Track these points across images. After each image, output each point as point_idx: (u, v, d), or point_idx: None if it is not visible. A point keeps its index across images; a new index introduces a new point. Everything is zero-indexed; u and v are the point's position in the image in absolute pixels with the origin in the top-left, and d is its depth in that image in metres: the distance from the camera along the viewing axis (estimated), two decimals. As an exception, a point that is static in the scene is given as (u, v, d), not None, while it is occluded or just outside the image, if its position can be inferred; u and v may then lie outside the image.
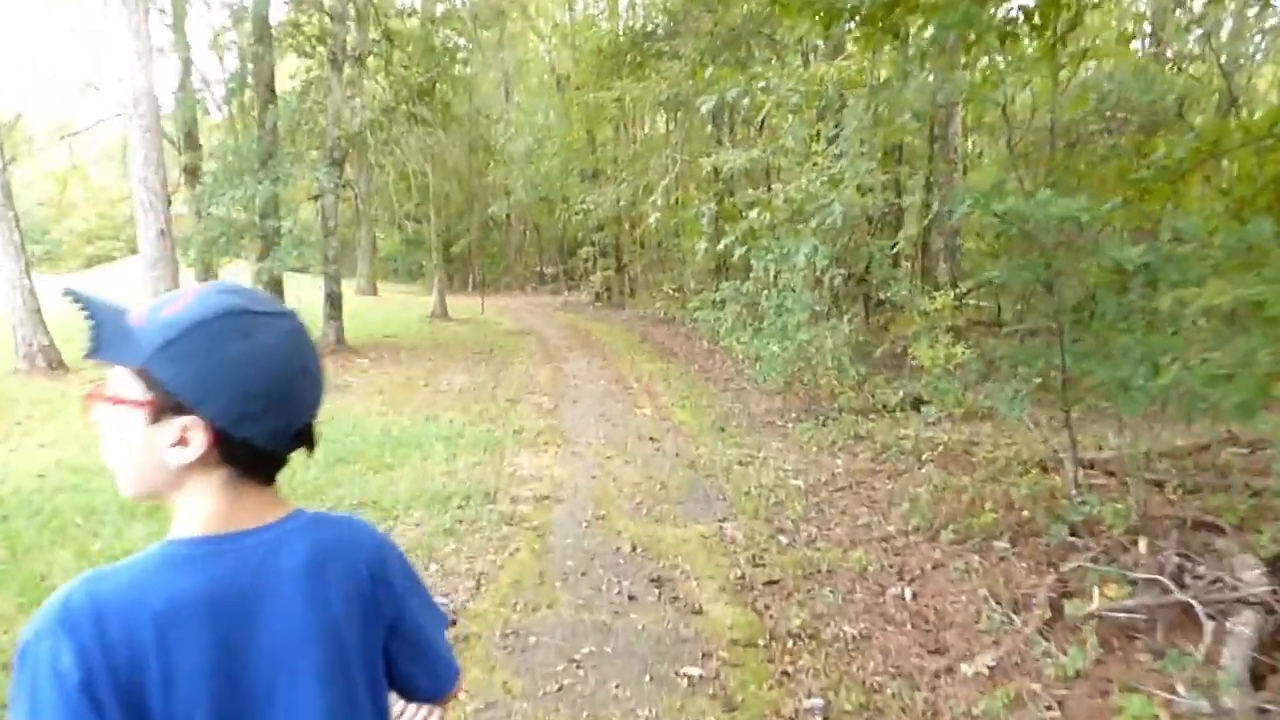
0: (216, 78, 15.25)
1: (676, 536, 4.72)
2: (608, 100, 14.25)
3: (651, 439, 7.15)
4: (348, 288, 28.89)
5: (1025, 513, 4.67)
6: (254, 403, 0.86)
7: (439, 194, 19.73)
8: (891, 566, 4.24)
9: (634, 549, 4.53)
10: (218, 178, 11.16)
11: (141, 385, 0.85)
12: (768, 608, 3.79)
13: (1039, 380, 6.62)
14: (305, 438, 0.95)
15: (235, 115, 14.55)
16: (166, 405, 0.84)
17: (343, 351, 12.28)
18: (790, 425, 7.79)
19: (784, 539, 4.69)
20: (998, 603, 3.68)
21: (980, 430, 7.26)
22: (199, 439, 0.85)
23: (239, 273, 13.03)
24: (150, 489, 0.90)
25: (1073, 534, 4.17)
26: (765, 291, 10.44)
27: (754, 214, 7.20)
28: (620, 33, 17.60)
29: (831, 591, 3.94)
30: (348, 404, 8.63)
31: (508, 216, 33.69)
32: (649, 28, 14.70)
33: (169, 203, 8.66)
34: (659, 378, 10.80)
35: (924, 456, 6.28)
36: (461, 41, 15.60)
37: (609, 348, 14.25)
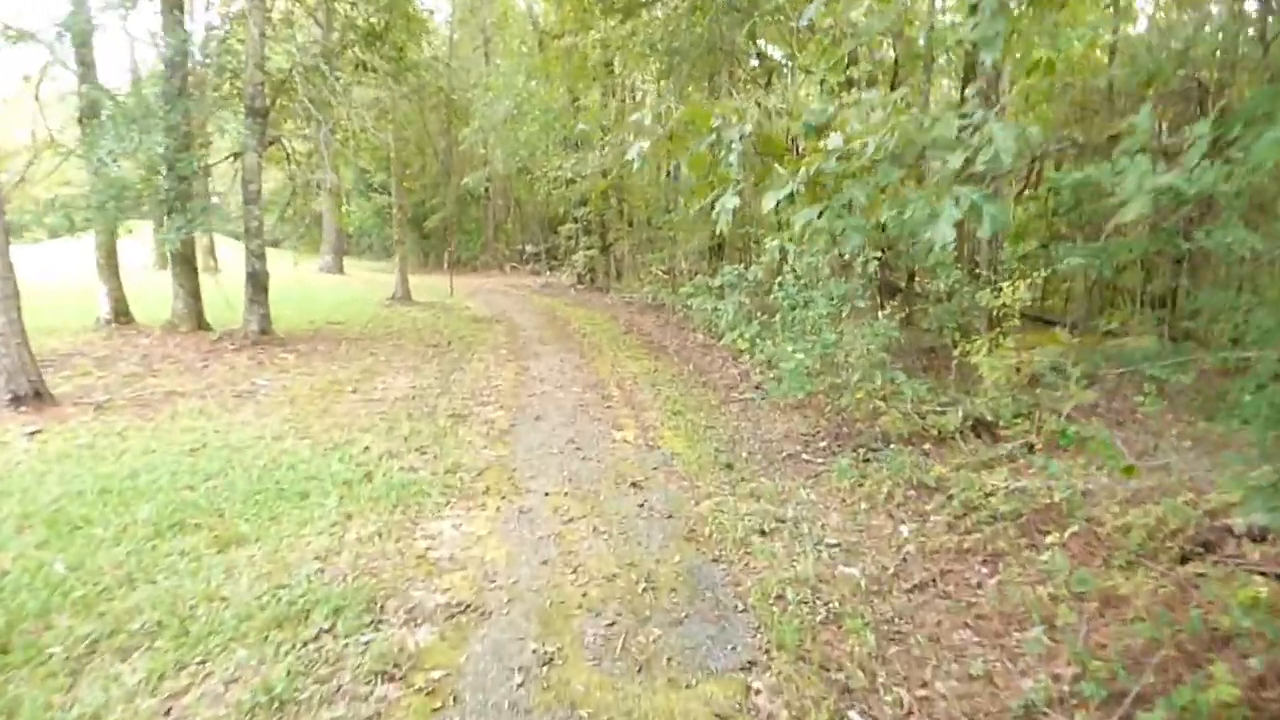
0: None
1: (675, 711, 2.76)
2: (591, 48, 12.18)
3: (634, 484, 5.17)
4: (310, 265, 26.83)
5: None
6: None
7: (401, 160, 17.51)
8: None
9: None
10: (105, 124, 8.97)
11: None
12: None
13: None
14: None
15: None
16: None
17: (265, 344, 10.20)
18: (821, 461, 5.83)
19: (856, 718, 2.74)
20: None
21: (1074, 466, 5.32)
22: None
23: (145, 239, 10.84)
24: None
25: None
26: (778, 279, 8.48)
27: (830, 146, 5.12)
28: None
29: None
30: (238, 422, 6.59)
31: (486, 190, 31.49)
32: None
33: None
34: (646, 382, 8.81)
35: (1024, 519, 4.34)
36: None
37: (588, 340, 12.23)
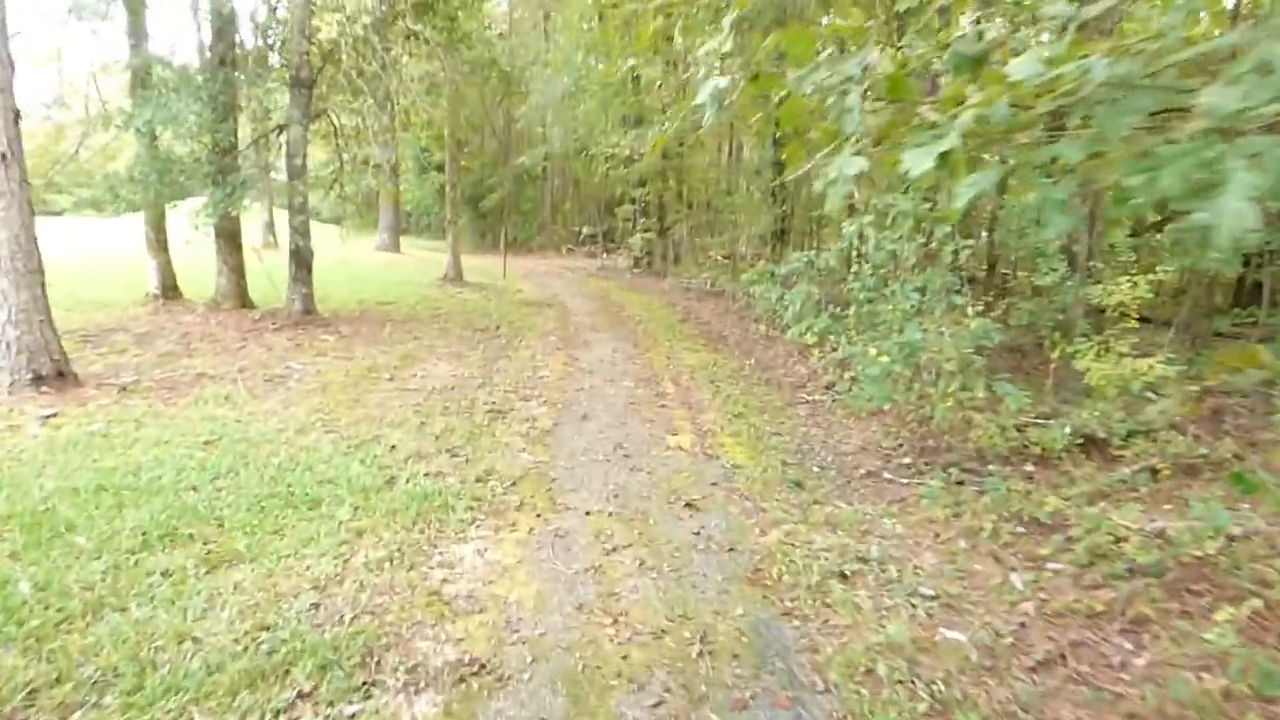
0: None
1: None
2: (652, 16, 11.38)
3: (689, 504, 4.47)
4: (366, 243, 26.74)
5: None
6: None
7: (456, 138, 17.04)
8: None
9: None
10: (150, 96, 8.61)
11: None
12: None
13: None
14: None
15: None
16: None
17: (306, 325, 9.80)
18: (906, 482, 5.04)
19: None
20: None
21: (1212, 496, 4.44)
22: None
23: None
24: None
25: None
26: (853, 268, 7.65)
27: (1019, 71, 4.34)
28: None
29: None
30: (263, 410, 6.11)
31: (544, 169, 30.97)
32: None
33: (17, 116, 6.14)
34: (704, 378, 8.09)
35: (1170, 576, 3.51)
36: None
37: (643, 328, 11.55)
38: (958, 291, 5.90)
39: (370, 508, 4.18)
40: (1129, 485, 4.88)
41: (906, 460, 5.42)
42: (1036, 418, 5.76)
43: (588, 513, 4.29)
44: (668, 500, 4.53)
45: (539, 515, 4.23)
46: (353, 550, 3.69)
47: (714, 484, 4.85)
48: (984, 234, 8.22)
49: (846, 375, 6.95)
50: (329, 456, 5.02)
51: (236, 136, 9.86)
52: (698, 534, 4.04)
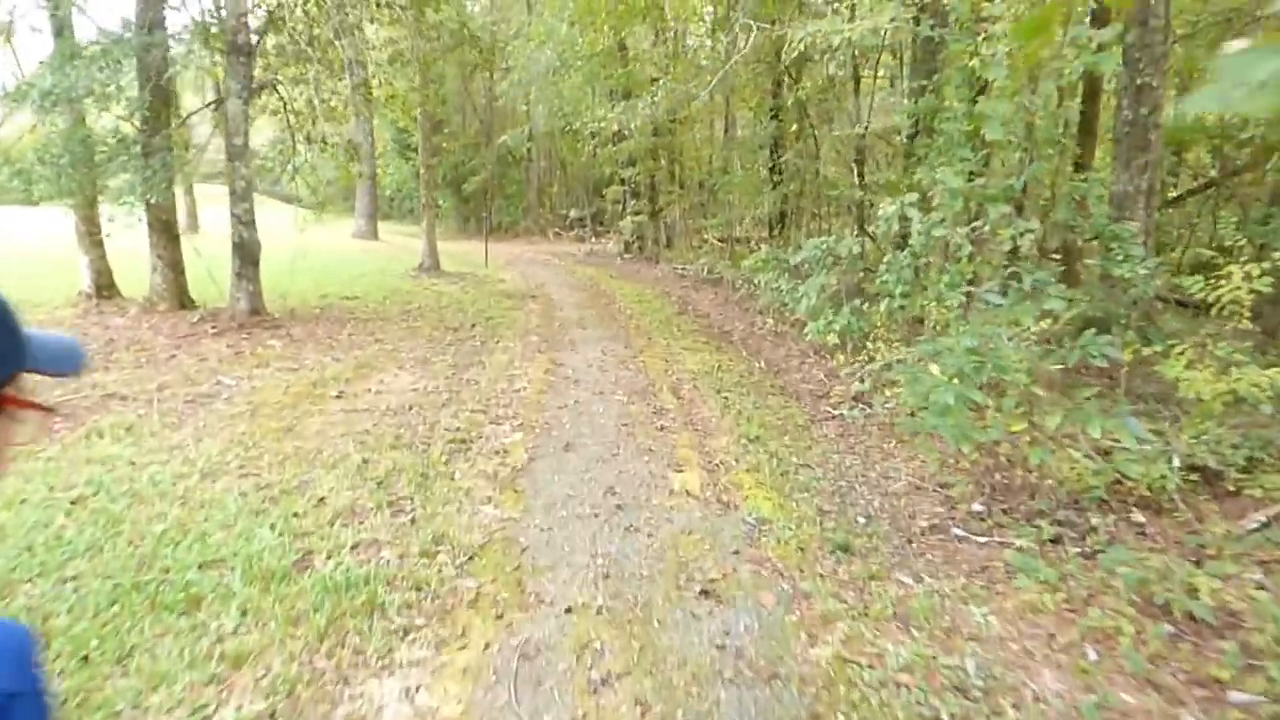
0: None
1: None
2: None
3: (705, 591, 3.30)
4: (342, 230, 25.35)
5: None
6: None
7: (430, 115, 15.72)
8: None
9: None
10: (57, 64, 7.31)
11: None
12: None
13: None
14: None
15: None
16: None
17: (252, 327, 8.57)
18: (983, 539, 3.89)
19: None
20: None
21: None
22: None
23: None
24: None
25: None
26: (886, 257, 6.49)
27: None
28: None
29: None
30: (169, 445, 4.91)
31: (528, 150, 29.58)
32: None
33: None
34: (708, 386, 6.92)
35: None
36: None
37: (635, 324, 10.36)
38: (1031, 279, 4.71)
39: (266, 610, 3.00)
40: (1270, 537, 3.78)
41: (976, 506, 4.27)
42: (1115, 437, 4.62)
43: (568, 609, 3.12)
44: (676, 582, 3.37)
45: (500, 616, 3.06)
46: (221, 698, 2.51)
47: (735, 551, 3.69)
48: (1036, 217, 7.05)
49: (887, 390, 5.79)
50: (232, 518, 3.83)
51: (169, 112, 8.57)
52: (722, 647, 2.88)
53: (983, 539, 3.91)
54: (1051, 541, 3.83)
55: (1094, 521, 4.00)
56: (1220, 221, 12.13)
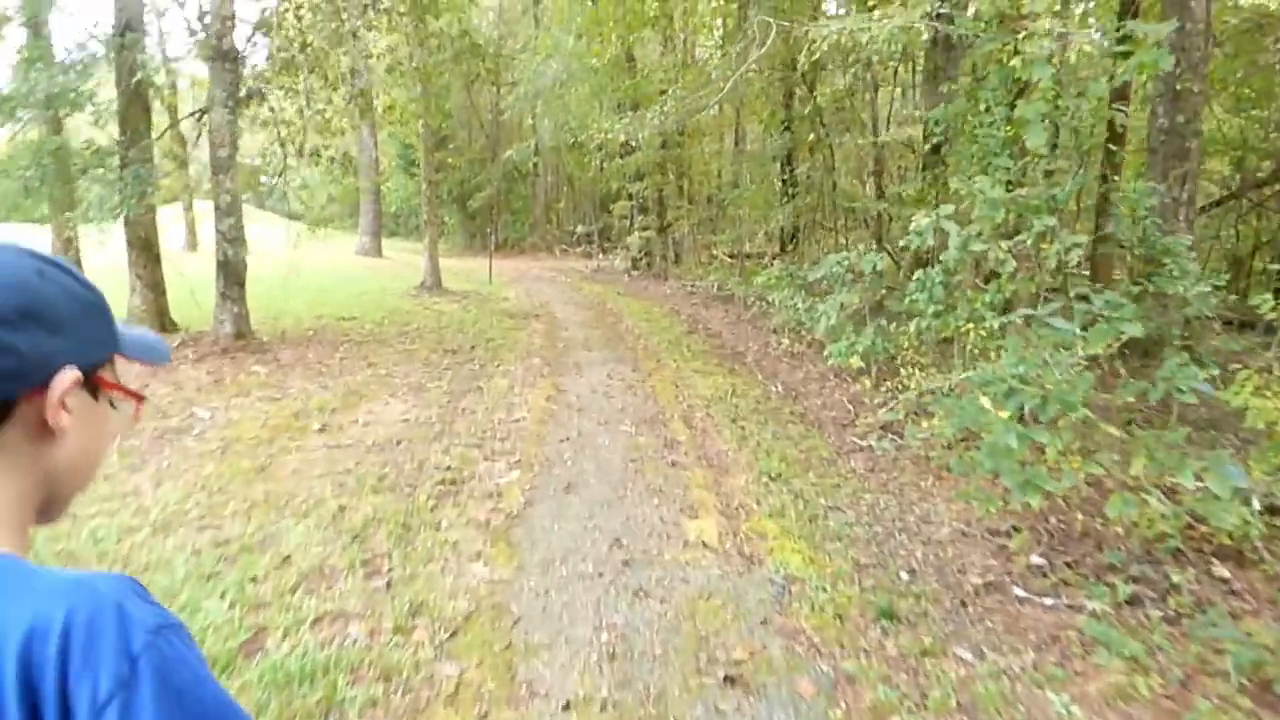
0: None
1: None
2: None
3: (731, 679, 2.76)
4: (346, 246, 25.00)
5: None
6: None
7: (433, 128, 15.36)
8: None
9: None
10: (23, 68, 6.91)
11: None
12: None
13: None
14: None
15: None
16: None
17: (237, 352, 8.09)
18: (1049, 601, 3.33)
19: None
20: None
21: None
22: None
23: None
24: None
25: None
26: (917, 274, 5.97)
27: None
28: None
29: None
30: (124, 492, 4.40)
31: (535, 166, 29.22)
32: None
33: None
34: (723, 414, 6.40)
35: None
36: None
37: (644, 345, 9.86)
38: (1078, 298, 4.18)
39: None
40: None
41: (1035, 559, 3.72)
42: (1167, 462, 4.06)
43: (566, 704, 2.59)
44: (695, 664, 2.83)
45: (485, 717, 2.53)
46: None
47: (763, 621, 3.15)
48: (1079, 230, 6.52)
49: (922, 420, 5.24)
50: (179, 584, 3.31)
51: (148, 121, 8.16)
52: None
53: (1048, 600, 3.36)
54: (1128, 603, 3.29)
55: (1174, 578, 3.45)
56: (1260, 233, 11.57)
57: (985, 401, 3.61)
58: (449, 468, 4.97)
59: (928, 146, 9.28)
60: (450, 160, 27.26)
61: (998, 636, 3.10)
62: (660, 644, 2.96)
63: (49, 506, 0.70)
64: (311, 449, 5.36)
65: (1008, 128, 5.61)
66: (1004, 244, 4.89)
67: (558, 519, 4.18)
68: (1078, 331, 3.73)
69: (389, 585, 3.38)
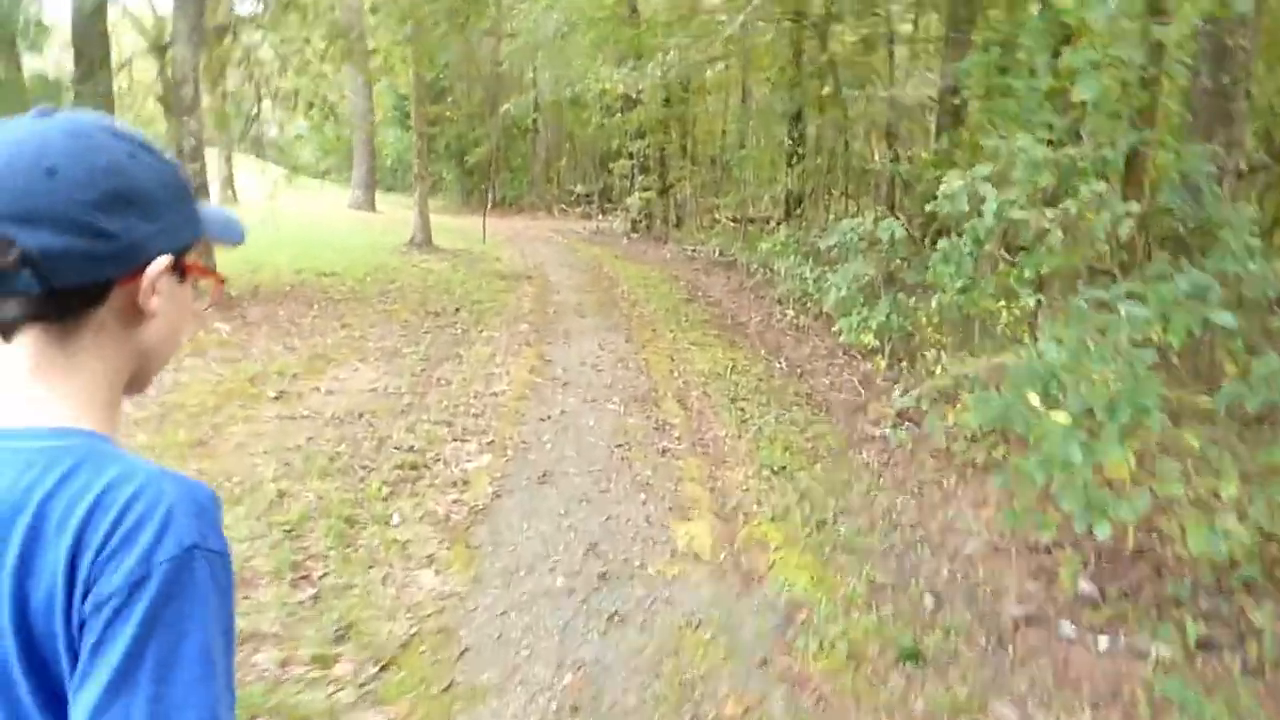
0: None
1: None
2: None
3: (722, 742, 2.24)
4: (340, 200, 24.21)
5: None
6: None
7: (424, 77, 14.55)
8: None
9: None
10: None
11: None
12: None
13: None
14: None
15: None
16: None
17: (204, 306, 7.47)
18: (1106, 641, 2.79)
19: None
20: None
21: None
22: None
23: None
24: None
25: None
26: (941, 242, 5.36)
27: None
28: None
29: None
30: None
31: (534, 122, 28.26)
32: None
33: None
34: (721, 393, 5.83)
35: None
36: None
37: (639, 312, 9.26)
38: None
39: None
40: None
41: (1084, 585, 3.17)
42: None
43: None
44: (679, 722, 2.29)
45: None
46: None
47: (762, 662, 2.61)
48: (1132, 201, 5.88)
49: (945, 407, 4.66)
50: (68, 590, 2.77)
51: (105, 56, 7.46)
52: None
53: (1103, 641, 2.82)
54: (1200, 647, 2.76)
55: (1252, 615, 2.92)
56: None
57: (1034, 398, 3.03)
58: (412, 448, 4.41)
59: (949, 104, 8.59)
60: (448, 114, 26.34)
61: (1045, 688, 2.56)
62: (635, 690, 2.42)
63: (135, 382, 0.71)
64: (262, 420, 4.80)
65: (1053, 79, 4.96)
66: (1049, 211, 4.27)
67: (529, 516, 3.63)
68: (1146, 314, 3.13)
69: (316, 598, 2.84)
